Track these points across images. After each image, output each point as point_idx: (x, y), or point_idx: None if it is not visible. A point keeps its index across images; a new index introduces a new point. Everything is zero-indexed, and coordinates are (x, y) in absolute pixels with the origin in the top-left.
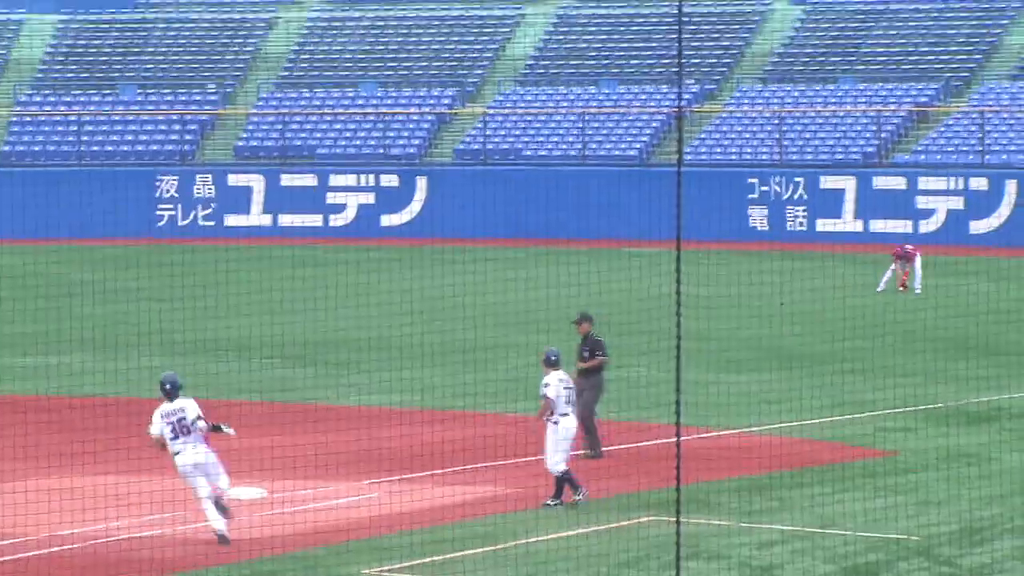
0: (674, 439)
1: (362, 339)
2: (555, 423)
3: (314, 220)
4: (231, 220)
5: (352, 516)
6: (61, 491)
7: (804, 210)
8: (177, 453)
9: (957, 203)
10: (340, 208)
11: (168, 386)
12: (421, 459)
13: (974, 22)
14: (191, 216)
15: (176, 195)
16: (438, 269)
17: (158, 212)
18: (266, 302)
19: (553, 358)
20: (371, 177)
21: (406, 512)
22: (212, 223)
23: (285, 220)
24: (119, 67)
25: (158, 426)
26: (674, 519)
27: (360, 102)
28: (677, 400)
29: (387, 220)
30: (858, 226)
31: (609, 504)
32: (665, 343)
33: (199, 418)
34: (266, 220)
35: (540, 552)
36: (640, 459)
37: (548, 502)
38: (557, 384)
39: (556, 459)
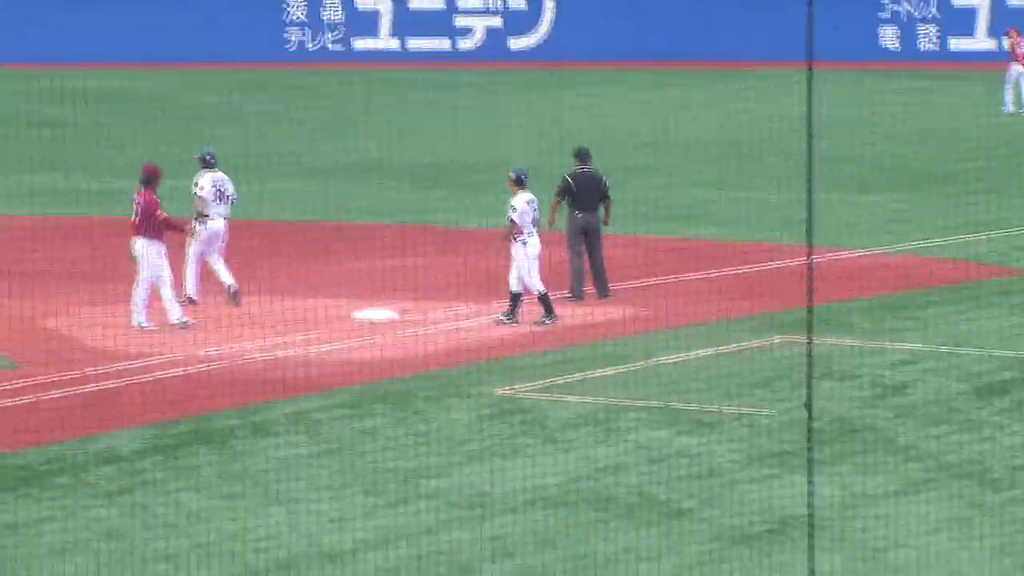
0: (805, 259)
1: (490, 162)
2: (523, 243)
3: (442, 44)
4: (359, 44)
5: (483, 337)
6: (195, 312)
7: (936, 28)
8: (209, 217)
9: None
10: (468, 31)
11: (209, 156)
12: (551, 280)
13: None
14: (320, 40)
15: (304, 19)
16: (567, 92)
17: (286, 36)
18: (395, 125)
19: (523, 178)
20: (499, 0)
21: (537, 332)
22: (341, 47)
23: (413, 44)
24: None
25: (210, 187)
26: (805, 339)
27: None
28: (808, 219)
29: (515, 43)
30: (991, 44)
31: (741, 324)
32: (795, 165)
33: (234, 193)
34: (394, 44)
35: (671, 372)
36: (771, 280)
37: (502, 318)
38: (525, 206)
39: (531, 279)
